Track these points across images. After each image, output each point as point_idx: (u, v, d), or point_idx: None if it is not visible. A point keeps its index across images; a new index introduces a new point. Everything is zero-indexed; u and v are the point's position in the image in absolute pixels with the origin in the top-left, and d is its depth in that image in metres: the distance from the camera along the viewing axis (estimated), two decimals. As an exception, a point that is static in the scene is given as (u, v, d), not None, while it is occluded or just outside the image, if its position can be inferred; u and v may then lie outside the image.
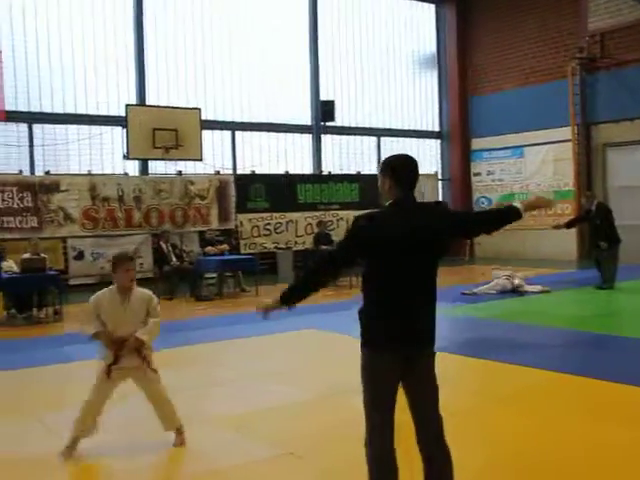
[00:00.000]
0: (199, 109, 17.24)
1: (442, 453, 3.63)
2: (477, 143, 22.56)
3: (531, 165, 21.15)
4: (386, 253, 3.54)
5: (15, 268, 11.65)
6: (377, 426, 3.56)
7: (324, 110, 19.95)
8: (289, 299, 3.71)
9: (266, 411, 5.97)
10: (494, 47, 21.75)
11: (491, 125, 21.86)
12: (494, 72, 21.81)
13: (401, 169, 3.64)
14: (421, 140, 22.96)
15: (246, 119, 19.07)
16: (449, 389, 6.67)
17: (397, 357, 3.56)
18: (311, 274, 3.77)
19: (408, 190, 3.62)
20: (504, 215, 3.77)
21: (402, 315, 3.54)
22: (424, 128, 23.04)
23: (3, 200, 14.81)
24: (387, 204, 3.65)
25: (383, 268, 3.57)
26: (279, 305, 3.72)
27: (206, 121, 17.60)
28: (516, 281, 13.36)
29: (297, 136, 20.21)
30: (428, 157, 23.10)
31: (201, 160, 17.32)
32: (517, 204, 3.78)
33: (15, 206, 14.93)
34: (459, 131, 22.81)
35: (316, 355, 8.49)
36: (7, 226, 14.75)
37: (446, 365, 7.66)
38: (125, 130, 16.20)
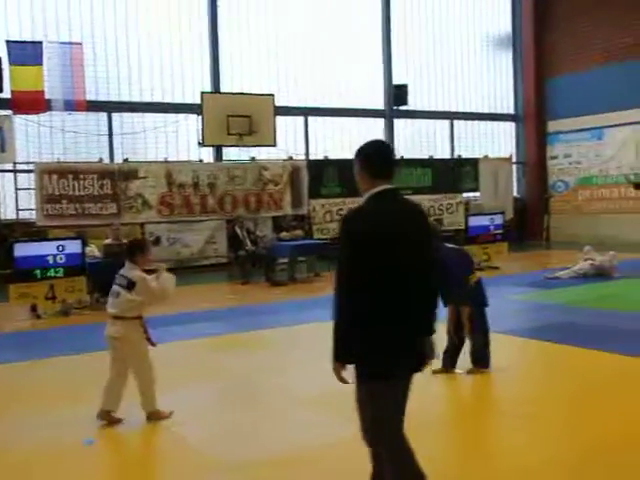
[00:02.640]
0: (272, 95, 17.34)
1: None
2: (553, 125, 21.97)
3: (611, 147, 20.49)
4: (383, 254, 3.19)
5: (97, 253, 12.00)
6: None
7: (396, 94, 19.79)
8: (343, 354, 3.22)
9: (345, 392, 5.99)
10: (572, 25, 21.01)
11: (568, 106, 21.22)
12: (572, 51, 21.12)
13: (376, 157, 3.41)
14: (495, 123, 22.52)
15: (319, 104, 19.06)
16: (540, 375, 6.66)
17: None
18: (345, 311, 3.21)
19: (385, 180, 3.35)
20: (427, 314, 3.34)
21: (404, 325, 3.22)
22: (498, 111, 22.58)
23: (84, 187, 15.24)
24: (367, 197, 3.38)
25: (380, 272, 3.20)
26: (339, 365, 3.24)
27: (279, 107, 17.69)
28: (606, 264, 13.00)
29: (370, 120, 20.11)
30: (503, 140, 22.65)
31: (274, 146, 17.44)
32: (431, 340, 3.36)
33: (95, 193, 15.35)
34: (535, 113, 22.26)
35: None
36: (88, 212, 15.18)
37: (533, 351, 7.62)
38: (200, 117, 16.43)
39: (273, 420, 5.41)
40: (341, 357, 3.22)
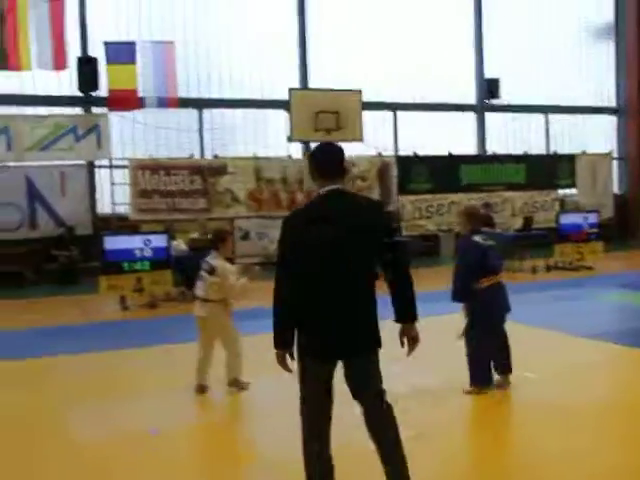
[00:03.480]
0: (360, 91, 17.26)
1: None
2: (658, 119, 20.90)
3: None
4: (308, 248, 3.49)
5: (183, 247, 12.27)
6: None
7: (488, 87, 19.30)
8: (280, 342, 3.60)
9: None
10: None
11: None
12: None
13: (321, 159, 3.64)
14: (595, 116, 21.61)
15: (408, 99, 18.84)
16: (614, 380, 6.35)
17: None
18: (279, 304, 3.60)
19: (332, 180, 3.56)
20: (401, 299, 3.62)
21: (326, 320, 3.51)
22: (598, 104, 21.65)
23: (175, 183, 15.64)
24: (315, 196, 3.66)
25: (308, 267, 3.51)
26: (280, 354, 3.62)
27: (367, 102, 17.59)
28: None
29: (460, 115, 19.72)
30: (603, 134, 21.73)
31: (362, 141, 17.36)
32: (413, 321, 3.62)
33: (186, 188, 15.72)
34: (638, 106, 21.22)
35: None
36: (179, 207, 15.58)
37: (615, 355, 7.27)
38: (288, 113, 16.55)
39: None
40: (276, 345, 3.61)
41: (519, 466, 4.47)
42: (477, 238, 5.81)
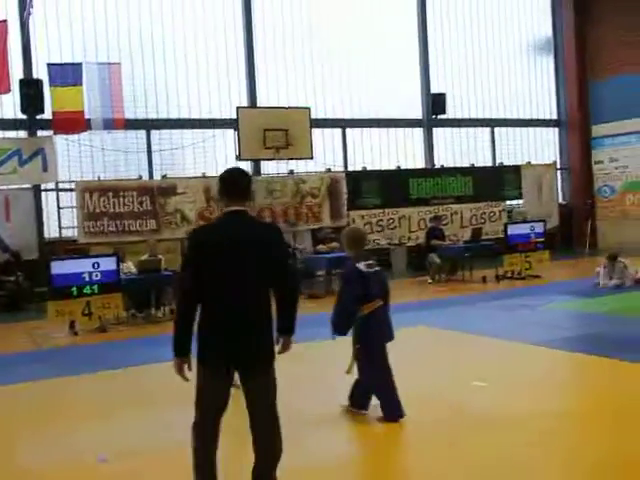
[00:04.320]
0: (309, 108, 17.38)
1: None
2: (598, 130, 21.49)
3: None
4: (211, 266, 3.79)
5: (133, 269, 12.16)
6: None
7: (435, 103, 19.61)
8: (180, 349, 3.83)
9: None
10: (616, 26, 20.52)
11: (613, 110, 20.75)
12: (616, 54, 20.63)
13: (228, 181, 3.99)
14: (538, 129, 22.14)
15: (356, 116, 19.04)
16: (560, 387, 6.48)
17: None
18: (180, 314, 3.86)
19: (236, 202, 3.91)
20: (284, 314, 4.06)
21: (226, 332, 3.81)
22: (541, 117, 22.19)
23: (124, 204, 15.48)
24: (219, 215, 4.06)
25: (210, 282, 3.80)
26: (179, 360, 3.85)
27: (316, 119, 17.72)
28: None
29: (408, 130, 19.99)
30: (546, 146, 22.27)
31: (312, 159, 17.46)
32: (290, 334, 4.11)
33: (135, 210, 15.56)
34: (578, 118, 21.82)
35: (429, 353, 8.31)
36: (128, 229, 15.40)
37: (560, 363, 7.42)
38: (236, 132, 16.57)
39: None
40: (176, 352, 3.84)
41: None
42: (361, 265, 5.55)
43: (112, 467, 4.93)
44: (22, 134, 15.53)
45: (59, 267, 10.71)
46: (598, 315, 10.18)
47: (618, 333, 8.63)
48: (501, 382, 6.54)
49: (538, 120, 22.11)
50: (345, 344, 5.74)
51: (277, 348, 4.07)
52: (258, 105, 17.75)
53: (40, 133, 15.46)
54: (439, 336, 9.11)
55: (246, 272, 3.83)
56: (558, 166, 21.88)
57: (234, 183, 3.98)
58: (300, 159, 17.46)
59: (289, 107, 17.39)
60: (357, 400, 5.81)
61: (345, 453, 5.11)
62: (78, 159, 15.82)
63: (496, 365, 7.29)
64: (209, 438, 3.92)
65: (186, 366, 3.86)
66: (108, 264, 10.93)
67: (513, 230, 14.93)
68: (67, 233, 15.58)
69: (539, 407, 5.72)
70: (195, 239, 3.95)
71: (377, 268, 5.71)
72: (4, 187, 14.81)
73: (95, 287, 10.77)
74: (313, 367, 7.61)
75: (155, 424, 5.91)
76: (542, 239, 15.08)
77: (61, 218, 15.54)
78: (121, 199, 15.49)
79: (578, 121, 21.82)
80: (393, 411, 5.54)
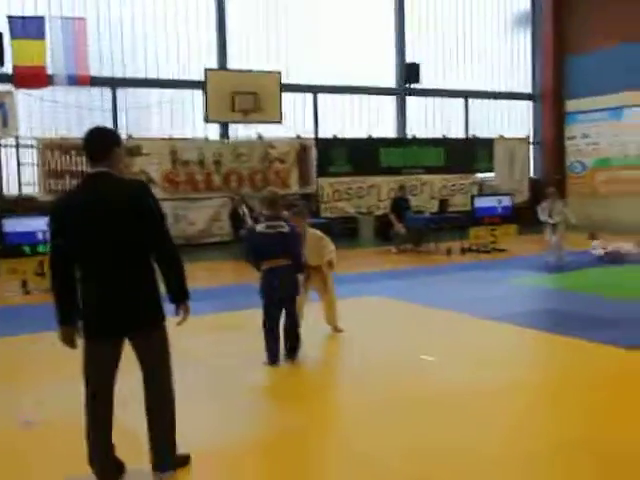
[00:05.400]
0: (279, 72, 17.10)
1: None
2: (572, 105, 21.38)
3: (631, 128, 19.88)
4: (73, 231, 3.67)
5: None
6: None
7: (409, 72, 19.36)
8: (62, 317, 3.75)
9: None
10: (593, 1, 20.37)
11: (588, 85, 20.61)
12: (592, 29, 20.40)
13: (86, 143, 3.83)
14: (512, 102, 21.99)
15: (329, 82, 18.75)
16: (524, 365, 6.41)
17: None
18: (53, 285, 3.76)
19: (94, 163, 3.76)
20: (169, 282, 3.87)
21: (100, 303, 3.72)
22: (515, 90, 22.03)
23: (85, 164, 15.12)
24: (81, 179, 3.94)
25: (77, 250, 3.70)
26: (61, 329, 3.77)
27: (288, 85, 17.45)
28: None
29: (381, 99, 19.75)
30: (519, 120, 22.16)
31: (280, 122, 17.21)
32: (184, 301, 3.91)
33: (99, 169, 15.22)
34: (553, 92, 21.69)
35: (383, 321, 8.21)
36: (90, 189, 15.08)
37: (510, 338, 7.36)
38: (205, 94, 16.24)
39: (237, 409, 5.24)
40: (58, 320, 3.76)
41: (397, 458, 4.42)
42: (260, 227, 6.16)
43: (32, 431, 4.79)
44: (-18, 87, 15.08)
45: (12, 225, 10.45)
46: (557, 291, 10.15)
47: (573, 309, 8.59)
48: (448, 357, 6.46)
49: (513, 93, 21.95)
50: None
51: (178, 319, 3.92)
52: (229, 67, 17.37)
53: (0, 87, 15.00)
54: (395, 307, 9.00)
55: (109, 236, 3.68)
56: (531, 140, 21.82)
57: (91, 143, 3.80)
58: (269, 123, 17.18)
59: (259, 71, 17.06)
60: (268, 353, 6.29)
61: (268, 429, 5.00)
62: (40, 115, 15.42)
63: (447, 339, 7.21)
64: (100, 407, 3.82)
65: (73, 334, 3.79)
66: (63, 223, 10.65)
67: (480, 203, 14.84)
68: (27, 190, 15.22)
69: (479, 384, 5.66)
70: (54, 208, 3.82)
71: (282, 229, 6.07)
72: (-38, 141, 14.44)
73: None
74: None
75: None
76: (509, 213, 15.01)
77: (21, 175, 15.16)
78: (84, 158, 15.13)
79: (553, 95, 21.69)
80: (270, 356, 6.21)
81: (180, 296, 3.90)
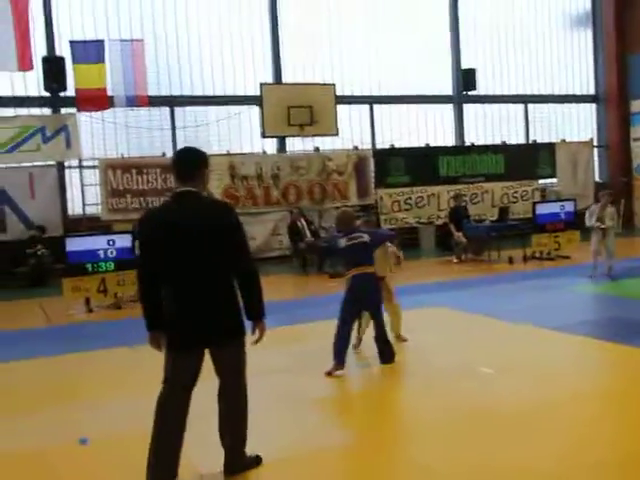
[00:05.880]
0: (334, 85, 17.12)
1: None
2: (637, 105, 20.74)
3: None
4: (159, 246, 3.83)
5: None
6: None
7: (465, 79, 19.12)
8: (150, 324, 3.95)
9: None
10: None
11: (653, 84, 19.98)
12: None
13: (175, 162, 3.99)
14: (574, 105, 21.47)
15: (384, 92, 18.67)
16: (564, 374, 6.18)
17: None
18: (141, 295, 3.96)
19: (182, 182, 3.91)
20: (248, 299, 4.01)
21: (181, 314, 3.87)
22: (577, 92, 21.50)
23: (148, 182, 15.46)
24: (168, 196, 4.06)
25: (163, 264, 3.84)
26: (150, 334, 3.97)
27: (343, 96, 17.46)
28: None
29: (438, 107, 19.54)
30: (582, 123, 21.61)
31: (337, 135, 17.21)
32: (261, 319, 4.06)
33: (159, 187, 15.52)
34: (617, 93, 21.10)
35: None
36: (152, 207, 15.35)
37: (569, 347, 7.11)
38: (261, 109, 16.36)
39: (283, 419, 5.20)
40: (148, 327, 3.96)
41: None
42: (342, 241, 6.55)
43: (91, 449, 4.83)
44: (46, 111, 15.57)
45: (74, 244, 10.70)
46: (621, 298, 9.80)
47: (637, 318, 8.27)
48: (507, 370, 6.27)
49: (574, 96, 21.43)
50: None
51: (253, 336, 4.07)
52: (284, 81, 17.48)
53: (64, 110, 15.47)
54: (456, 318, 8.84)
55: (196, 253, 3.82)
56: (595, 143, 21.23)
57: (181, 162, 3.95)
58: (325, 135, 17.19)
59: (313, 83, 17.11)
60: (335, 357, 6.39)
61: (337, 437, 4.93)
62: (101, 136, 15.84)
63: (508, 351, 7.01)
64: (175, 414, 3.95)
65: (160, 339, 3.96)
66: (123, 241, 10.89)
67: (542, 209, 14.48)
68: (91, 210, 15.60)
69: (540, 396, 5.47)
70: (142, 222, 3.99)
71: (363, 239, 6.47)
72: (28, 164, 14.88)
73: (110, 264, 10.74)
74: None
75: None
76: (573, 218, 14.59)
77: (85, 195, 15.55)
78: (144, 176, 15.48)
79: (617, 96, 21.09)
80: (337, 359, 6.31)
81: (257, 313, 4.06)
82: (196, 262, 3.84)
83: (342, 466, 4.33)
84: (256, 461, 4.24)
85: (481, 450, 4.41)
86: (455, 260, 14.83)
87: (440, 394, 5.62)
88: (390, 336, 6.89)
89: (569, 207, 14.63)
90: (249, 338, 4.06)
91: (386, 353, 6.55)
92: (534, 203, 15.27)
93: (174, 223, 3.82)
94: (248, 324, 4.10)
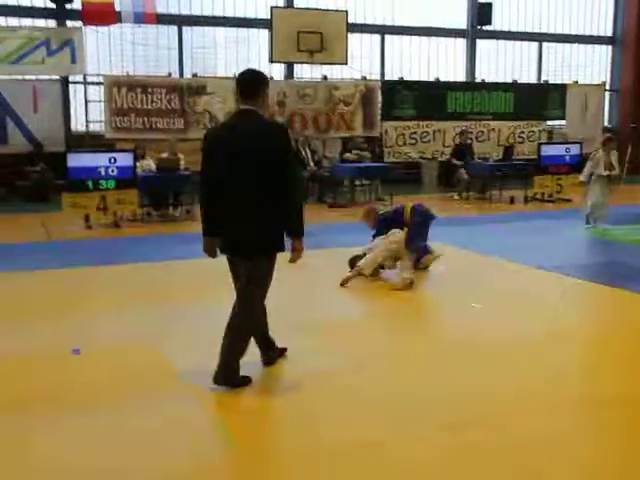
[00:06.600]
0: (346, 11, 16.76)
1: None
2: (656, 50, 20.31)
3: None
4: (220, 158, 4.15)
5: (153, 167, 12.07)
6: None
7: (480, 13, 18.68)
8: (206, 229, 4.32)
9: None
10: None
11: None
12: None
13: (238, 81, 4.28)
14: (589, 46, 21.03)
15: (396, 22, 18.29)
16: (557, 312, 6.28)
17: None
18: (202, 202, 4.29)
19: (244, 100, 4.22)
20: (288, 217, 4.22)
21: (228, 222, 4.22)
22: (594, 33, 21.04)
23: (153, 101, 15.30)
24: (230, 115, 4.49)
25: (219, 176, 4.18)
26: (208, 241, 4.32)
27: (354, 24, 17.12)
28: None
29: (450, 41, 19.17)
30: (597, 66, 21.22)
31: (346, 64, 16.93)
32: (299, 237, 4.28)
33: (163, 107, 15.39)
34: (636, 36, 20.60)
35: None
36: (155, 126, 15.29)
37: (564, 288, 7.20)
38: (270, 33, 16.07)
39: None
40: (205, 232, 4.35)
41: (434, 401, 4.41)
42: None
43: (81, 358, 4.96)
44: (51, 23, 15.28)
45: (75, 160, 10.66)
46: (616, 243, 9.85)
47: (633, 263, 8.33)
48: (495, 305, 6.39)
49: (590, 37, 20.97)
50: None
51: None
52: (295, 6, 17.11)
53: (69, 24, 15.19)
54: (452, 254, 8.87)
55: (244, 171, 4.12)
56: (608, 87, 20.90)
57: (243, 82, 4.24)
58: (334, 64, 16.92)
59: (325, 9, 16.76)
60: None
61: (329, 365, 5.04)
62: (107, 52, 15.57)
63: (497, 287, 7.12)
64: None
65: (214, 245, 4.33)
66: (124, 160, 10.84)
67: (547, 151, 14.38)
68: (94, 127, 15.51)
69: (524, 332, 5.58)
70: (207, 137, 4.36)
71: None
72: (32, 77, 14.72)
73: (111, 182, 10.73)
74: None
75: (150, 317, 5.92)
76: (577, 162, 14.48)
77: (88, 112, 15.42)
78: (150, 95, 15.31)
79: (635, 39, 20.60)
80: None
81: (295, 231, 4.26)
82: (243, 179, 4.13)
83: (326, 389, 4.43)
84: (281, 353, 4.83)
85: (455, 381, 4.52)
86: (456, 197, 14.81)
87: (428, 329, 5.74)
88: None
89: (575, 150, 14.52)
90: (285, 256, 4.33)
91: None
92: (539, 144, 15.16)
93: (232, 138, 4.15)
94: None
